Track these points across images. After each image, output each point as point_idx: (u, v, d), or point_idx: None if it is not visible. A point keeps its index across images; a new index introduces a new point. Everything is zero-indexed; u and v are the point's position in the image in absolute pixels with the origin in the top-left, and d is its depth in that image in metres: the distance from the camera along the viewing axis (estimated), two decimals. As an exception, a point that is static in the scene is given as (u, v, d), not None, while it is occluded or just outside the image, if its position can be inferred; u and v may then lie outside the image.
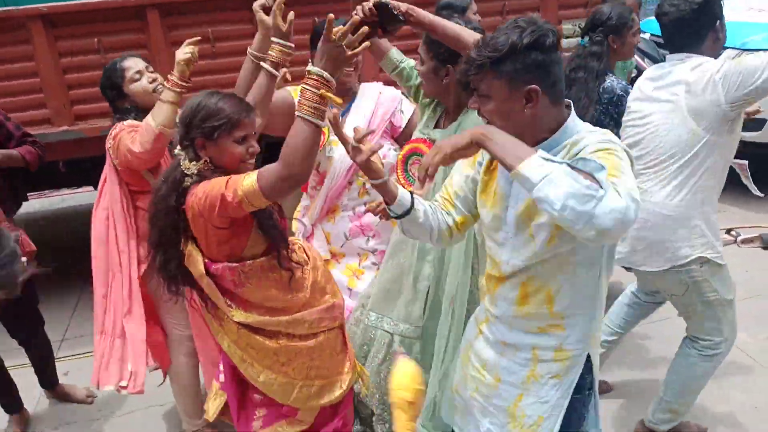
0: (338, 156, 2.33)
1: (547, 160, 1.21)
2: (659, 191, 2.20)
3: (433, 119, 2.17)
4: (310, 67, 1.48)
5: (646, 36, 6.33)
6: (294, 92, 2.31)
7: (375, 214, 1.90)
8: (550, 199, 1.17)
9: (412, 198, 1.55)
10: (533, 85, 1.34)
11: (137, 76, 2.33)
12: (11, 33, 3.17)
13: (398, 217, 1.56)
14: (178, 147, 1.74)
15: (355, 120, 2.31)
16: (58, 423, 2.91)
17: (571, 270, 1.46)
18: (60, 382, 3.05)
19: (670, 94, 2.16)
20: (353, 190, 2.41)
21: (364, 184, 2.39)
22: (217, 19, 3.32)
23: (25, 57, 3.20)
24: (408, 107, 2.43)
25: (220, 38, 3.31)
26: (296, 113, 1.49)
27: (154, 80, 2.35)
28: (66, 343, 3.54)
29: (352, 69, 2.33)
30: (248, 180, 1.54)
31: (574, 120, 1.43)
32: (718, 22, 2.17)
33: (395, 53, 2.27)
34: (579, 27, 3.74)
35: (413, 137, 2.20)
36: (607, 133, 1.39)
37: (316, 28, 2.33)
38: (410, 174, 2.16)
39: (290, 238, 1.85)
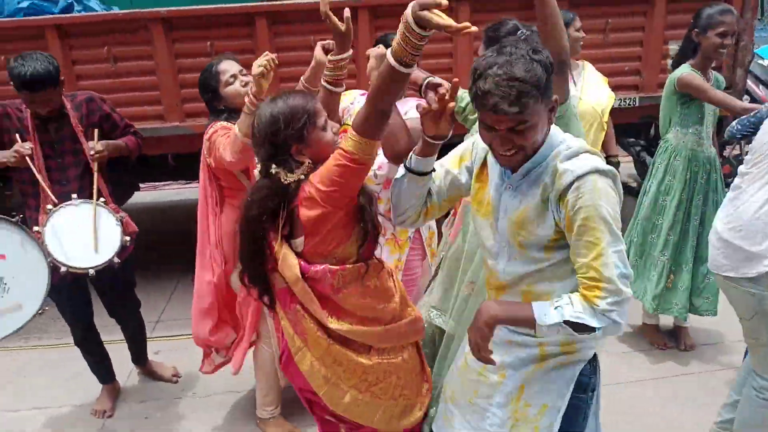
0: None
1: (550, 324, 1.44)
2: (754, 193, 2.11)
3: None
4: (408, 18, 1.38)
5: (764, 62, 6.00)
6: (347, 94, 2.43)
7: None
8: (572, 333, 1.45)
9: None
10: (555, 95, 1.47)
11: (231, 79, 2.43)
12: (134, 34, 3.44)
13: (413, 171, 1.65)
14: (273, 167, 1.66)
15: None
16: (146, 397, 3.11)
17: (569, 275, 1.51)
18: (150, 359, 3.26)
19: None
20: None
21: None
22: (320, 29, 3.46)
23: (146, 56, 3.47)
24: (413, 112, 2.31)
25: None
26: (389, 59, 1.43)
27: (246, 84, 2.41)
28: (160, 325, 3.79)
29: None
30: (347, 140, 1.55)
31: (553, 130, 1.51)
32: None
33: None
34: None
35: None
36: (585, 160, 1.44)
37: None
38: None
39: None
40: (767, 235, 2.06)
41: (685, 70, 2.93)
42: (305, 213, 1.61)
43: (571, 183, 1.42)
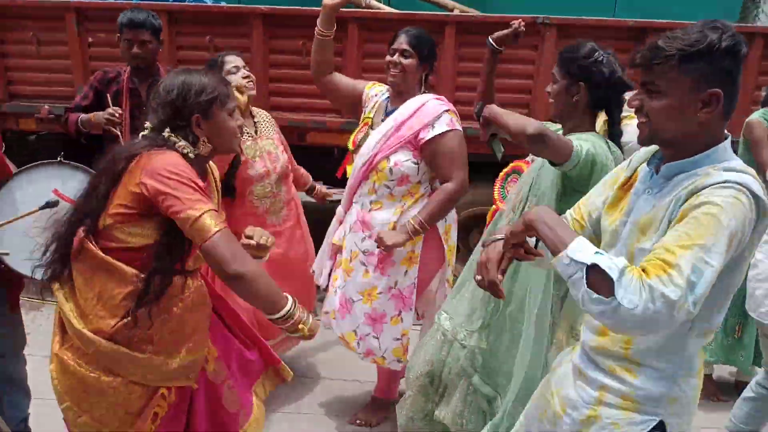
0: (359, 154, 2.51)
1: (575, 260, 1.22)
2: None
3: None
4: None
5: None
6: (369, 86, 2.67)
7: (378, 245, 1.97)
8: (576, 297, 1.24)
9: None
10: (717, 89, 1.27)
11: (234, 69, 2.63)
12: (236, 26, 3.68)
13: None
14: (167, 130, 1.64)
15: (389, 121, 2.46)
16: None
17: None
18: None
19: None
20: (365, 186, 2.52)
21: (374, 182, 2.49)
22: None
23: (244, 47, 3.70)
24: (442, 126, 2.40)
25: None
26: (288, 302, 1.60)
27: (247, 77, 2.64)
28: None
29: (399, 71, 2.44)
30: (210, 219, 1.52)
31: (726, 147, 1.34)
32: None
33: None
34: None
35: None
36: (740, 176, 1.26)
37: None
38: (505, 191, 2.23)
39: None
40: None
41: (756, 116, 2.87)
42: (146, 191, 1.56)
43: (713, 184, 1.25)
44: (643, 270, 1.19)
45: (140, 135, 1.69)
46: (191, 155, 1.65)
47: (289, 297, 1.64)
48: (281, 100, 3.79)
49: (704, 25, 1.29)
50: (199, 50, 3.71)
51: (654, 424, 1.40)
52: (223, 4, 3.98)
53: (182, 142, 1.64)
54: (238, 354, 1.96)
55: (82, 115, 2.95)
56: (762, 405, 2.47)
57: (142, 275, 1.61)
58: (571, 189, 1.98)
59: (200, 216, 1.52)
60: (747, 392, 2.53)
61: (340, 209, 2.70)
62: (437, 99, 2.49)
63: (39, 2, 3.77)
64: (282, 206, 2.83)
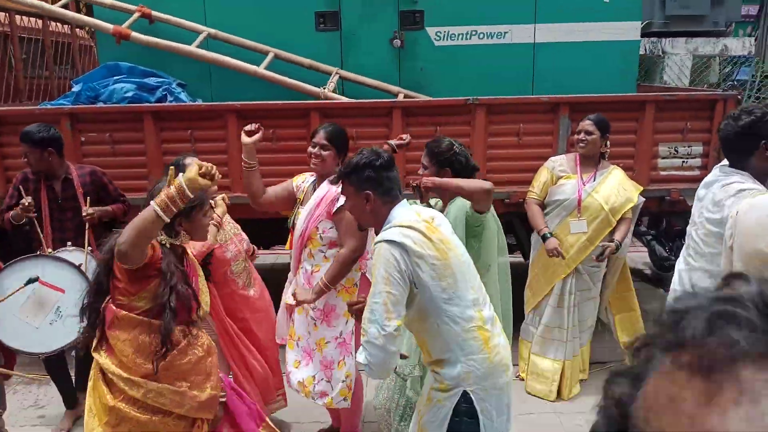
0: (296, 229, 3.06)
1: None
2: None
3: None
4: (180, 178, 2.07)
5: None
6: (294, 179, 3.25)
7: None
8: None
9: None
10: (368, 191, 2.10)
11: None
12: (212, 121, 4.26)
13: None
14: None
15: (313, 200, 3.04)
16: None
17: (423, 326, 2.07)
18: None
19: None
20: (305, 253, 3.06)
21: (311, 249, 3.02)
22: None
23: (220, 139, 4.25)
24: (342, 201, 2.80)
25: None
26: (152, 203, 2.00)
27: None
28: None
29: (319, 161, 3.00)
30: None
31: (393, 211, 2.12)
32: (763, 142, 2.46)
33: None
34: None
35: None
36: (379, 248, 2.03)
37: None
38: None
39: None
40: None
41: None
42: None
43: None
44: None
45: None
46: (167, 245, 2.17)
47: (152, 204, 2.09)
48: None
49: (357, 153, 2.18)
50: (181, 142, 4.25)
51: (459, 393, 2.08)
52: (199, 101, 4.55)
53: (162, 237, 2.14)
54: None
55: (11, 212, 3.46)
56: None
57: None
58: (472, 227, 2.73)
59: None
60: None
61: (290, 275, 3.23)
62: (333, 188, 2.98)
63: (35, 110, 4.29)
64: (252, 278, 3.34)
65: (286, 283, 3.26)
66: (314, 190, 3.12)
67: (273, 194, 3.20)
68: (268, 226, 4.21)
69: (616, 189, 3.71)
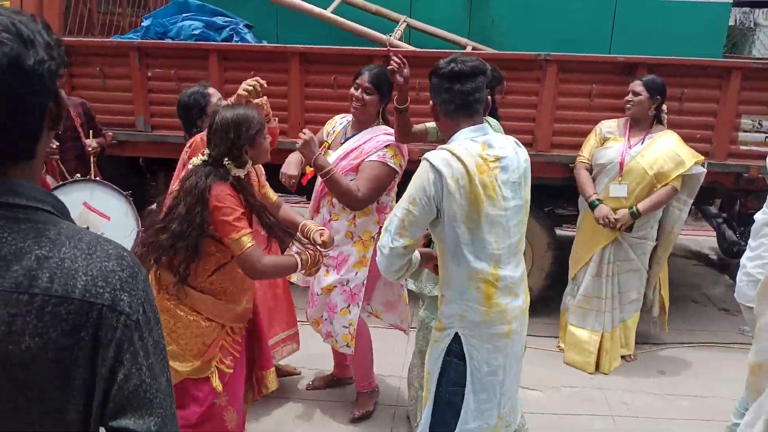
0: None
1: None
2: None
3: None
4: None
5: None
6: (327, 124, 3.25)
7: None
8: None
9: None
10: (432, 101, 2.07)
11: (219, 101, 3.03)
12: (276, 62, 4.22)
13: None
14: (226, 160, 2.20)
15: (345, 146, 2.96)
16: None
17: (440, 253, 2.08)
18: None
19: None
20: (325, 199, 3.03)
21: (332, 197, 2.96)
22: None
23: (281, 82, 4.21)
24: (375, 156, 2.86)
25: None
26: (297, 260, 2.37)
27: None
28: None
29: (360, 104, 2.90)
30: (241, 249, 2.19)
31: (460, 133, 2.02)
32: None
33: (430, 126, 2.85)
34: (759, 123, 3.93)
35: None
36: (421, 166, 2.00)
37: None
38: None
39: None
40: None
41: None
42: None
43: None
44: None
45: (203, 163, 2.27)
46: (243, 176, 2.25)
47: (294, 255, 2.41)
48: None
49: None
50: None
51: (452, 334, 2.09)
52: (264, 43, 4.52)
53: (237, 171, 2.22)
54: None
55: None
56: None
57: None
58: None
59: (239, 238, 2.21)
60: None
61: (307, 214, 3.21)
62: (386, 134, 2.93)
63: (105, 42, 4.37)
64: None
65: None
66: (345, 134, 3.05)
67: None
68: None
69: (665, 153, 3.54)
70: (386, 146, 2.89)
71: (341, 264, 3.01)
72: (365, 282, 3.01)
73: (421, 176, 1.96)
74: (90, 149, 3.52)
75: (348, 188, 2.82)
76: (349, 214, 2.97)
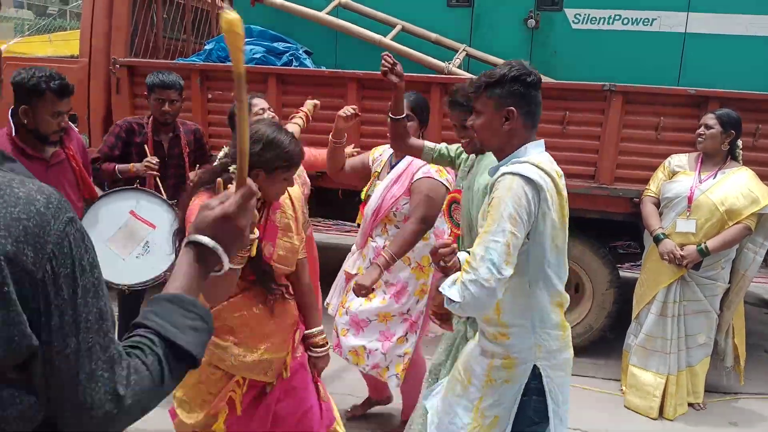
0: (369, 202, 2.93)
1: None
2: None
3: (465, 171, 2.52)
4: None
5: None
6: (372, 152, 3.14)
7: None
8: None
9: None
10: (512, 107, 1.82)
11: (261, 111, 3.00)
12: (334, 88, 4.22)
13: None
14: (233, 166, 1.80)
15: (392, 173, 2.92)
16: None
17: (511, 282, 1.77)
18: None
19: None
20: (378, 228, 2.93)
21: (385, 224, 2.90)
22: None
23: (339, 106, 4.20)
24: (421, 173, 2.84)
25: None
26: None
27: (273, 117, 3.00)
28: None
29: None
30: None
31: (527, 148, 1.86)
32: None
33: (428, 144, 2.69)
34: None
35: (454, 189, 2.67)
36: (506, 178, 1.77)
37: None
38: (454, 218, 2.59)
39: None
40: None
41: None
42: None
43: (497, 179, 1.81)
44: (463, 269, 1.75)
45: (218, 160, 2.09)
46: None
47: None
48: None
49: (503, 64, 1.88)
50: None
51: (530, 368, 1.88)
52: (323, 68, 4.54)
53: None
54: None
55: (119, 165, 3.34)
56: None
57: None
58: None
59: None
60: None
61: (353, 246, 3.14)
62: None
63: (169, 64, 4.46)
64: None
65: (349, 253, 3.17)
66: (391, 164, 3.00)
67: (350, 168, 3.14)
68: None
69: (738, 189, 3.35)
70: (430, 164, 2.84)
71: (401, 292, 2.89)
72: (425, 310, 2.90)
73: (518, 193, 1.73)
74: (190, 182, 3.37)
75: (413, 232, 2.73)
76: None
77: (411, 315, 2.90)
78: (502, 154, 1.91)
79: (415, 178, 2.84)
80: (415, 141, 2.71)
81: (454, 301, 1.74)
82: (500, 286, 1.71)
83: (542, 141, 1.92)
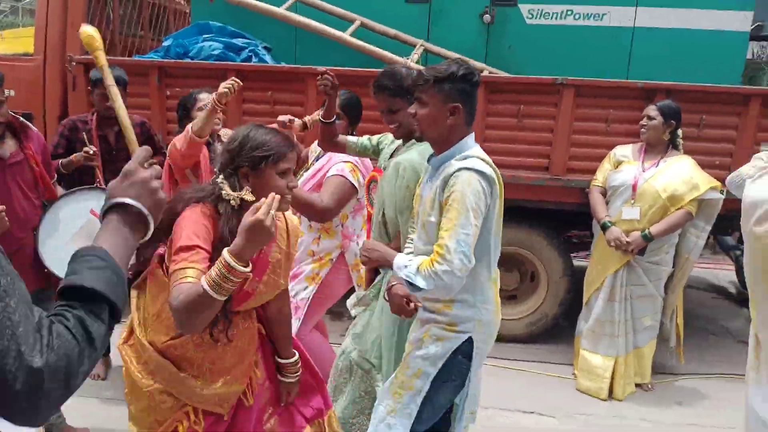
0: None
1: (398, 274, 2.02)
2: None
3: (388, 154, 2.65)
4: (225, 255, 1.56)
5: None
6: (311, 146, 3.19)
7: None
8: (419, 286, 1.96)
9: None
10: (458, 104, 1.97)
11: (204, 106, 2.99)
12: (291, 83, 4.25)
13: None
14: (221, 176, 1.80)
15: (315, 166, 3.03)
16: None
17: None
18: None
19: None
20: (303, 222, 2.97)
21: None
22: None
23: (298, 103, 4.24)
24: (334, 171, 2.88)
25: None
26: (203, 285, 1.55)
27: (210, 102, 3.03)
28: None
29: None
30: (173, 295, 1.61)
31: (466, 141, 2.04)
32: None
33: (351, 140, 2.81)
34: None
35: (374, 167, 2.81)
36: (463, 173, 1.94)
37: None
38: (371, 197, 2.73)
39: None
40: None
41: None
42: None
43: (452, 173, 1.95)
44: (432, 259, 1.91)
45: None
46: (234, 205, 1.77)
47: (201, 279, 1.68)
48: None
49: (450, 61, 2.02)
50: (260, 103, 4.28)
51: (465, 338, 2.10)
52: (282, 64, 4.56)
53: (227, 191, 1.78)
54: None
55: (62, 160, 3.33)
56: None
57: None
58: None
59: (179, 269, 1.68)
60: None
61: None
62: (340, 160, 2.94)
63: (125, 61, 4.43)
64: None
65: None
66: (318, 158, 3.10)
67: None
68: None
69: (679, 176, 3.51)
70: (345, 161, 2.91)
71: (293, 278, 2.93)
72: (311, 298, 2.95)
73: (473, 186, 1.92)
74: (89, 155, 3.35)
75: (309, 200, 2.75)
76: (314, 233, 2.98)
77: (296, 300, 2.91)
78: (441, 146, 2.07)
79: (328, 174, 2.91)
80: (340, 139, 2.81)
81: (419, 288, 1.94)
82: (466, 274, 1.94)
83: (473, 133, 2.11)
